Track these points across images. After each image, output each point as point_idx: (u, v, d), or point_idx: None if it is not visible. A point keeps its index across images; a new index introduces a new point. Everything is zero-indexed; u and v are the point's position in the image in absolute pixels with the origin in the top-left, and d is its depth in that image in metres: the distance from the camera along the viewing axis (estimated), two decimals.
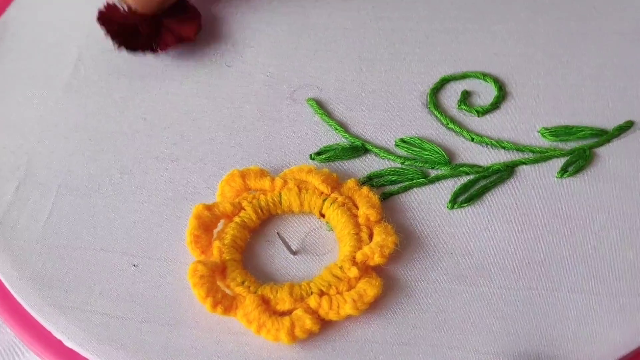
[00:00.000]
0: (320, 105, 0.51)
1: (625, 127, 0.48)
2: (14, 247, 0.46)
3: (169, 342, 0.41)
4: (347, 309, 0.41)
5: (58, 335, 0.42)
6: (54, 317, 0.43)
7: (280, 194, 0.45)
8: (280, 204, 0.45)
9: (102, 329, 0.42)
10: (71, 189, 0.48)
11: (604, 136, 0.48)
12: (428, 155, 0.48)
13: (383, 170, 0.47)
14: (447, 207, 0.46)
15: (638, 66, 0.52)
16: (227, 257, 0.43)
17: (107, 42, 0.56)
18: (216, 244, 0.44)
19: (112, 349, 0.41)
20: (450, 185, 0.47)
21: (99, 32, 0.57)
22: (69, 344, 0.42)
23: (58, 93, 0.54)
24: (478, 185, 0.46)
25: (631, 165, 0.47)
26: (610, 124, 0.49)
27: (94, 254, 0.45)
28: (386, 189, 0.47)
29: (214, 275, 0.42)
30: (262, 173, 0.46)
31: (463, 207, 0.45)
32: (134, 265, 0.44)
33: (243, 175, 0.46)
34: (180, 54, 0.55)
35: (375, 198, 0.45)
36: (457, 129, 0.49)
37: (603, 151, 0.48)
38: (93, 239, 0.46)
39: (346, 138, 0.49)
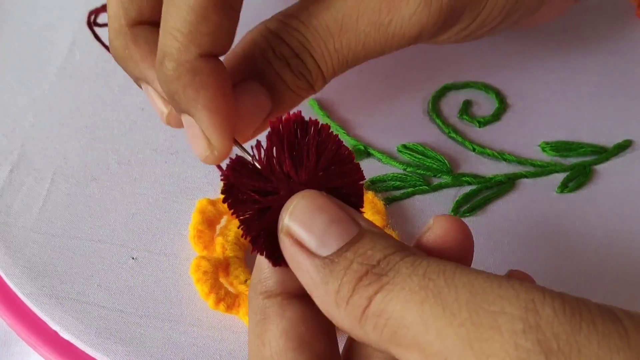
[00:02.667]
0: (321, 106, 0.51)
1: (623, 146, 0.49)
2: (7, 233, 0.44)
3: (169, 338, 0.41)
4: None
5: (54, 326, 0.41)
6: (50, 308, 0.42)
7: None
8: None
9: (100, 321, 0.41)
10: (67, 177, 0.47)
11: (604, 154, 0.49)
12: (430, 162, 0.48)
13: (386, 175, 0.47)
14: None
15: (635, 86, 0.53)
16: (230, 254, 0.43)
17: (103, 28, 0.55)
18: (219, 240, 0.43)
19: (110, 343, 0.40)
20: (453, 194, 0.47)
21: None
22: (65, 335, 0.41)
23: (52, 77, 0.53)
24: (480, 196, 0.47)
25: (630, 184, 0.47)
26: (608, 142, 0.50)
27: (91, 245, 0.44)
28: (389, 194, 0.47)
29: (216, 272, 0.42)
30: None
31: (466, 216, 0.46)
32: (133, 258, 0.44)
33: None
34: None
35: (380, 204, 0.45)
36: (459, 139, 0.49)
37: (602, 168, 0.48)
38: (90, 229, 0.45)
39: (347, 139, 0.49)
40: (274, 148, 0.31)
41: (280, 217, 0.31)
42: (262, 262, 0.33)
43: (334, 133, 0.32)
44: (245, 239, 0.31)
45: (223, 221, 0.44)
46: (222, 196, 0.45)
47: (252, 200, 0.31)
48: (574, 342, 0.24)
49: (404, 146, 0.49)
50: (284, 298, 0.32)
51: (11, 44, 0.55)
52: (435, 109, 0.51)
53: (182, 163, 0.48)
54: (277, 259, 0.31)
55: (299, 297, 0.32)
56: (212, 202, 0.44)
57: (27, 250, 0.44)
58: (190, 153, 0.48)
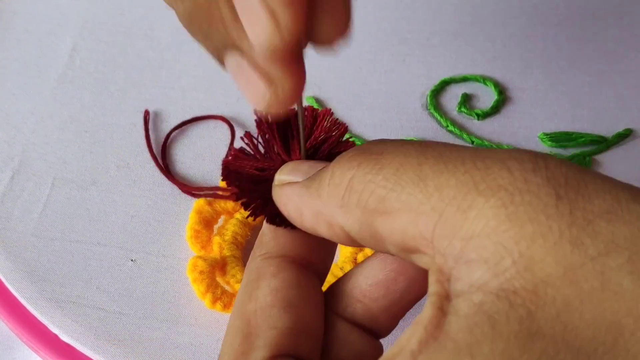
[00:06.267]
0: (320, 104, 0.51)
1: (624, 135, 0.49)
2: (7, 239, 0.45)
3: (167, 338, 0.41)
4: None
5: (54, 329, 0.42)
6: (50, 311, 0.42)
7: None
8: None
9: (99, 323, 0.41)
10: (66, 181, 0.48)
11: (604, 143, 0.48)
12: None
13: None
14: None
15: (635, 73, 0.52)
16: (227, 254, 0.43)
17: (103, 33, 0.56)
18: (216, 239, 0.43)
19: (109, 345, 0.40)
20: None
21: (94, 22, 0.57)
22: (65, 338, 0.41)
23: (52, 84, 0.53)
24: None
25: (631, 173, 0.47)
26: (609, 131, 0.49)
27: (90, 248, 0.44)
28: None
29: (213, 271, 0.42)
30: None
31: None
32: (132, 260, 0.44)
33: None
34: (180, 46, 0.54)
35: None
36: (458, 132, 0.49)
37: (602, 158, 0.48)
38: (89, 232, 0.45)
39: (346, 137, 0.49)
40: (266, 135, 0.33)
41: (273, 183, 0.32)
42: (264, 228, 0.33)
43: (314, 112, 0.33)
44: (239, 202, 0.33)
45: (220, 221, 0.45)
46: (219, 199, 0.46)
47: (249, 174, 0.33)
48: (581, 180, 0.25)
49: None
50: (282, 261, 0.32)
51: (12, 50, 0.55)
52: (433, 104, 0.51)
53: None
54: (275, 219, 0.32)
55: (297, 264, 0.32)
56: (209, 202, 0.44)
57: (27, 254, 0.44)
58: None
